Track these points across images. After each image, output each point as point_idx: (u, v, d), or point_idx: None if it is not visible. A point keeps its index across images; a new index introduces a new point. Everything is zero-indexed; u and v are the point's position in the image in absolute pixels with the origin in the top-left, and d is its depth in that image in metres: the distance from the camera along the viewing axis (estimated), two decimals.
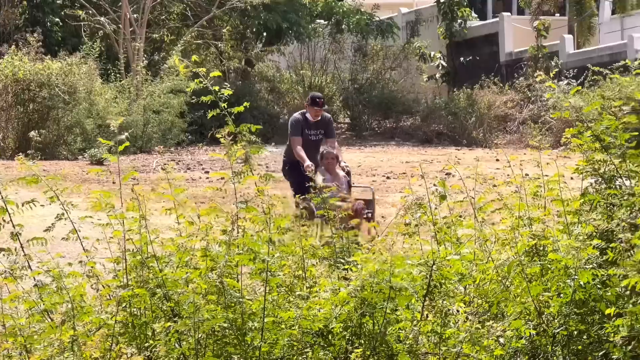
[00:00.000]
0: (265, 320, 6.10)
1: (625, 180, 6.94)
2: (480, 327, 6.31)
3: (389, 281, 5.99)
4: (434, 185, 7.17)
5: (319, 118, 12.49)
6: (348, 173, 12.30)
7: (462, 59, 34.97)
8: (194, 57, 8.46)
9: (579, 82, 25.81)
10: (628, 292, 6.04)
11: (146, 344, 6.21)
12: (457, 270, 6.32)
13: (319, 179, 10.50)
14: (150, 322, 6.31)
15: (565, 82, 26.67)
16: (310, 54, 32.92)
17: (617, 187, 6.98)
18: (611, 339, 5.80)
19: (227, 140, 6.44)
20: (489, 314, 6.64)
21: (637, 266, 5.93)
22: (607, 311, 5.93)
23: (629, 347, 5.72)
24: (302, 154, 11.99)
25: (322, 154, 12.19)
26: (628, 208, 6.60)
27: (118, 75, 27.88)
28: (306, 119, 12.48)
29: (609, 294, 6.08)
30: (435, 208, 6.99)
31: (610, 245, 6.35)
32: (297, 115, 12.75)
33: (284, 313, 6.17)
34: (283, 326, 6.17)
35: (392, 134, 30.90)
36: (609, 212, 6.83)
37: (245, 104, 6.93)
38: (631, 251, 6.14)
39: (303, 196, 7.79)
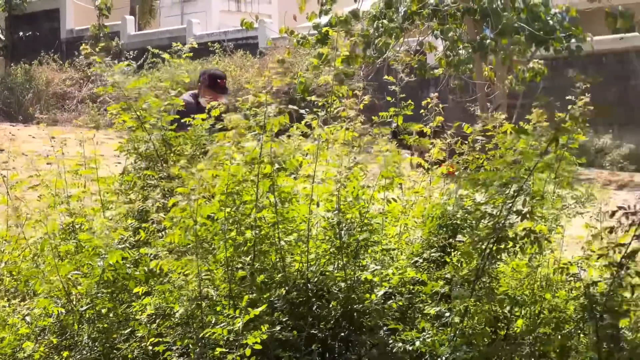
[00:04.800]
0: None
1: (164, 160, 6.98)
2: (7, 305, 6.11)
3: None
4: None
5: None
6: None
7: (21, 33, 34.05)
8: None
9: (139, 63, 25.97)
10: (158, 272, 6.09)
11: None
12: None
13: None
14: None
15: (126, 63, 26.70)
16: None
17: (157, 167, 7.02)
18: (138, 317, 5.82)
19: None
20: (19, 293, 6.44)
21: (168, 246, 5.99)
22: (136, 290, 5.95)
23: (154, 325, 5.78)
24: None
25: None
26: (162, 189, 6.66)
27: None
28: (199, 104, 8.99)
29: (139, 273, 6.09)
30: None
31: (143, 225, 6.38)
32: (186, 97, 9.03)
33: None
34: None
35: None
36: (145, 192, 6.86)
37: None
38: (163, 232, 6.19)
39: None
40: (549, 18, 18.33)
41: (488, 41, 17.83)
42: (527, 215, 5.11)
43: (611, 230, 5.23)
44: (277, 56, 21.69)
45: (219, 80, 9.20)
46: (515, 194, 5.14)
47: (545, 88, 19.77)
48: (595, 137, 23.00)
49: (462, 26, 18.94)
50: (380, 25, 18.17)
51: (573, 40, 18.27)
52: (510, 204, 5.18)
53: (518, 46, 18.40)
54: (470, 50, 18.47)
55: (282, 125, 5.79)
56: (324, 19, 17.84)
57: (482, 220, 5.38)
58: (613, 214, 5.25)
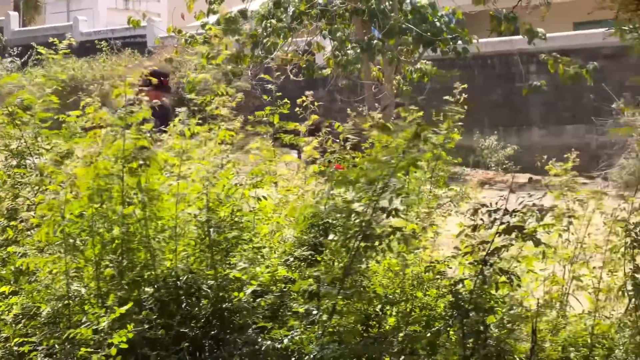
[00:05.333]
0: None
1: (36, 158, 6.87)
2: None
3: None
4: None
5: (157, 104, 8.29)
6: None
7: None
8: None
9: (23, 60, 25.59)
10: (27, 271, 5.98)
11: None
12: None
13: None
14: None
15: (10, 59, 26.37)
16: None
17: (29, 165, 6.90)
18: (3, 317, 5.71)
19: None
20: None
21: (38, 245, 5.90)
22: (2, 289, 5.83)
23: (20, 325, 5.67)
24: None
25: None
26: (35, 186, 6.55)
27: None
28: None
29: (5, 272, 5.98)
30: None
31: (12, 224, 6.27)
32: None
33: None
34: None
35: None
36: (16, 190, 6.73)
37: None
38: (33, 230, 6.09)
39: None
40: (435, 20, 18.53)
41: (375, 41, 17.94)
42: (393, 213, 5.13)
43: (474, 228, 5.30)
44: (165, 55, 21.52)
45: (162, 79, 8.71)
46: (381, 191, 5.15)
47: (432, 89, 19.98)
48: (481, 137, 23.36)
49: (350, 26, 19.02)
50: (269, 25, 18.14)
51: (459, 42, 18.50)
52: (375, 202, 5.19)
53: (405, 47, 18.57)
54: (358, 51, 18.55)
55: (147, 120, 5.71)
56: (212, 18, 17.73)
57: (350, 218, 5.38)
58: (475, 211, 5.32)
